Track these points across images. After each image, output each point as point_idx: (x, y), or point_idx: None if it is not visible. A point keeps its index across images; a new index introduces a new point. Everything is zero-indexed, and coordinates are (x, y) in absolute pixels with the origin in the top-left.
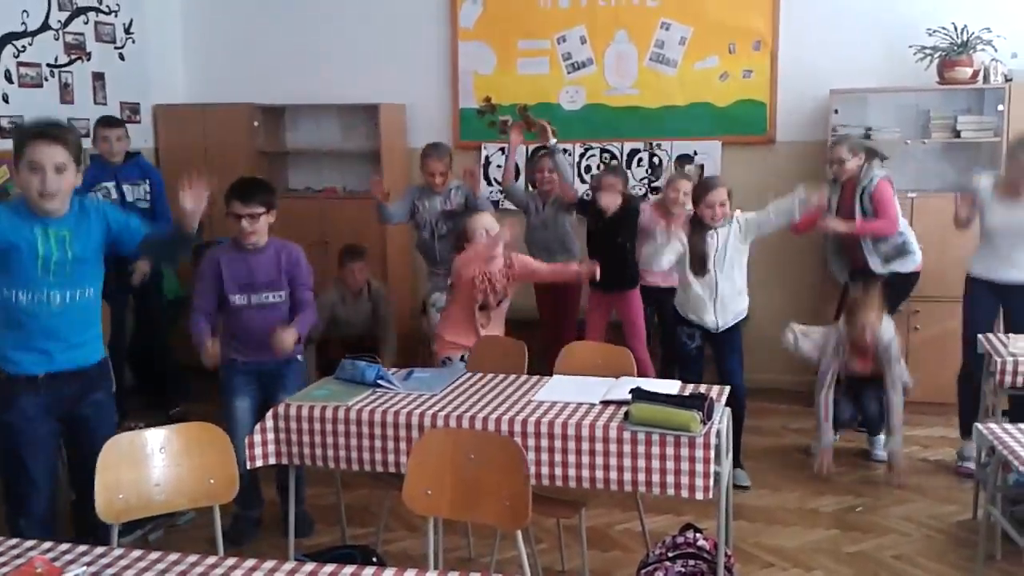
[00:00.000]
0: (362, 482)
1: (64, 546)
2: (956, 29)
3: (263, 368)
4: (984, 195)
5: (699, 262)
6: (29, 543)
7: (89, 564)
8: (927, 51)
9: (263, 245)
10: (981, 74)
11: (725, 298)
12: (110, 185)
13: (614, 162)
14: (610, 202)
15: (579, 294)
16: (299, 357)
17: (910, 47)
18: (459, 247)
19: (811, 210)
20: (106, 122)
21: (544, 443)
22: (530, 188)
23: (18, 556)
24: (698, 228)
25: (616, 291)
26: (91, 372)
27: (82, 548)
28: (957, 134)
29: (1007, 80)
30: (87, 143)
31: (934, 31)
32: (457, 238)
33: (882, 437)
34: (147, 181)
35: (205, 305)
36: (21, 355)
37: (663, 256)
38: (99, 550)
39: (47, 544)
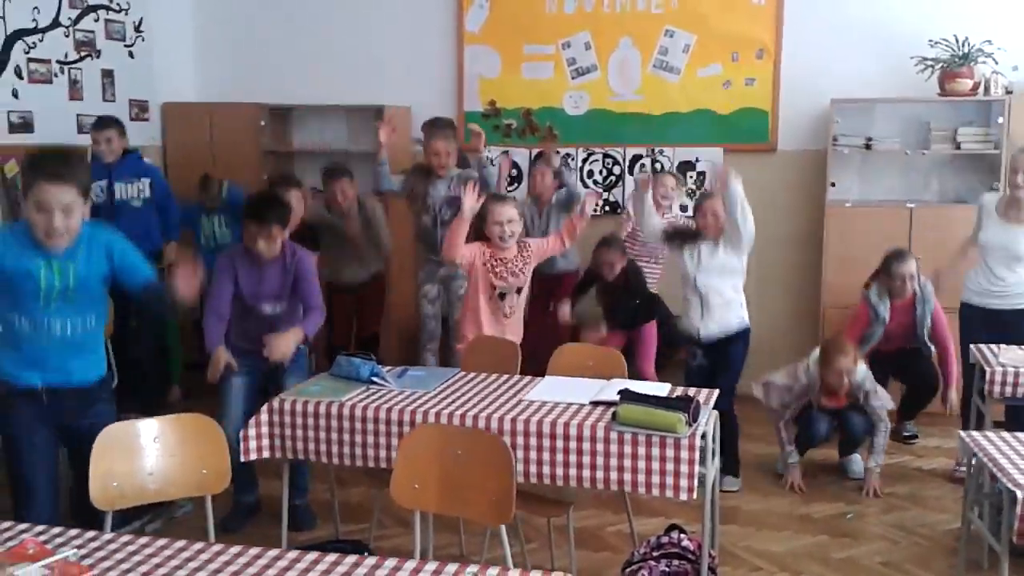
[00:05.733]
0: (357, 479)
1: (56, 529)
2: (957, 41)
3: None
4: (987, 209)
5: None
6: (22, 525)
7: (80, 547)
8: (928, 62)
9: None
10: (982, 86)
11: (713, 308)
12: (101, 183)
13: (609, 233)
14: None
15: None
16: (302, 347)
17: (911, 58)
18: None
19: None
20: (95, 124)
21: (533, 442)
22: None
23: (10, 538)
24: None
25: (632, 329)
26: (92, 388)
27: (73, 532)
28: (957, 146)
29: (1008, 92)
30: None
31: (935, 43)
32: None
33: (856, 457)
34: (142, 179)
35: (219, 306)
36: (20, 371)
37: (649, 220)
38: (90, 534)
39: (39, 527)
